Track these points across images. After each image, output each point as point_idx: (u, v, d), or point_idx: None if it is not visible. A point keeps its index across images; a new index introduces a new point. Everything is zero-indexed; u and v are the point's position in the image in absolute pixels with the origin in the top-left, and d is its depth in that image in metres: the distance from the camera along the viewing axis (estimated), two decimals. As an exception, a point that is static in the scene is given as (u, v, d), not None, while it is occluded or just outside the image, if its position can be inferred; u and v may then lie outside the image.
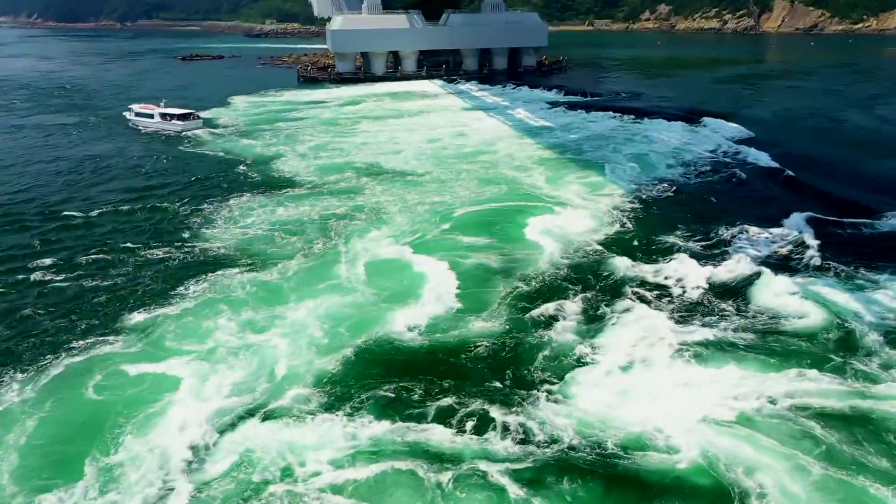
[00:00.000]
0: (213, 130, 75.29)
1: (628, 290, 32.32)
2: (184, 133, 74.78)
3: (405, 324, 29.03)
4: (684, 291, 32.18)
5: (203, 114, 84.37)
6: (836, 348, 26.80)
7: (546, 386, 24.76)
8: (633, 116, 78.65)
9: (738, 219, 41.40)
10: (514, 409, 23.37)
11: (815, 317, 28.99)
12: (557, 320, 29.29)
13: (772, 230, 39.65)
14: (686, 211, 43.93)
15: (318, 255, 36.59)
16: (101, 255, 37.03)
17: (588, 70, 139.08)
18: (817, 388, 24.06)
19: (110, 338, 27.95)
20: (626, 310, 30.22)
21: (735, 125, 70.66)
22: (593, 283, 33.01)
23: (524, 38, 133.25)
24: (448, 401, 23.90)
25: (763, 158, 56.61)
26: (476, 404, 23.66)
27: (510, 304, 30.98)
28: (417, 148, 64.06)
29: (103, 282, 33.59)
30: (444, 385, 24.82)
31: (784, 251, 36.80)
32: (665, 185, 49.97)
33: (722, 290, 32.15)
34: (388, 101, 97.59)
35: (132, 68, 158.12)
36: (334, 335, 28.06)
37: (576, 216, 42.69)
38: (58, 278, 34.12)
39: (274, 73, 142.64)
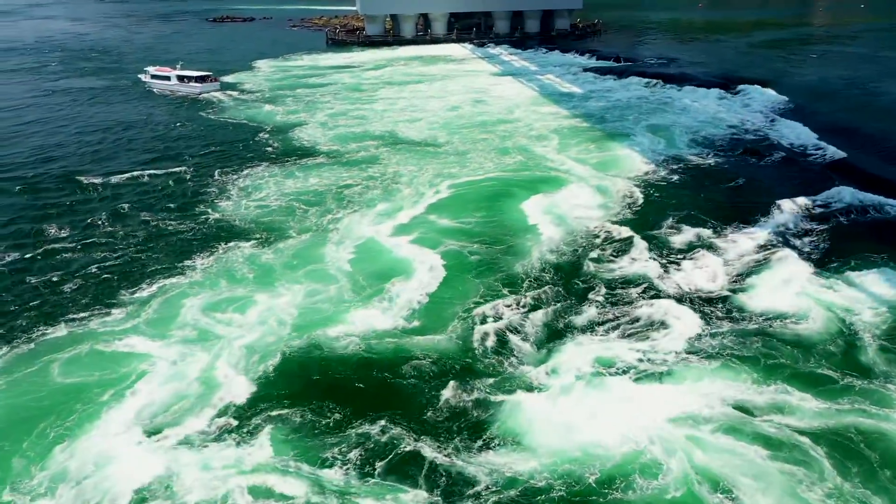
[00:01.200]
0: (237, 96, 74.89)
1: (623, 292, 29.06)
2: (202, 95, 74.52)
3: (359, 327, 26.31)
4: (691, 290, 29.14)
5: (227, 78, 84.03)
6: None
7: (489, 427, 21.10)
8: (665, 83, 75.62)
9: (769, 200, 38.34)
10: (445, 449, 20.12)
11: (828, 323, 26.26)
12: (520, 334, 25.92)
13: (807, 213, 36.84)
14: (709, 191, 41.06)
15: (317, 231, 35.95)
16: (113, 226, 37.19)
17: (624, 34, 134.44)
18: (817, 405, 21.50)
19: (100, 313, 27.92)
20: (614, 319, 26.92)
21: (774, 93, 67.27)
22: (578, 285, 29.68)
23: (558, 0, 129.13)
24: (369, 429, 20.99)
25: (802, 131, 53.15)
26: (405, 439, 20.50)
27: (479, 310, 27.51)
28: (437, 116, 62.78)
29: (111, 253, 33.67)
30: (371, 408, 21.91)
31: (816, 239, 33.66)
32: (689, 160, 47.44)
33: (735, 288, 29.19)
34: (414, 66, 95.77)
35: (162, 30, 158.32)
36: (283, 335, 25.97)
37: (584, 195, 40.79)
38: (67, 247, 34.36)
39: (303, 36, 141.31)
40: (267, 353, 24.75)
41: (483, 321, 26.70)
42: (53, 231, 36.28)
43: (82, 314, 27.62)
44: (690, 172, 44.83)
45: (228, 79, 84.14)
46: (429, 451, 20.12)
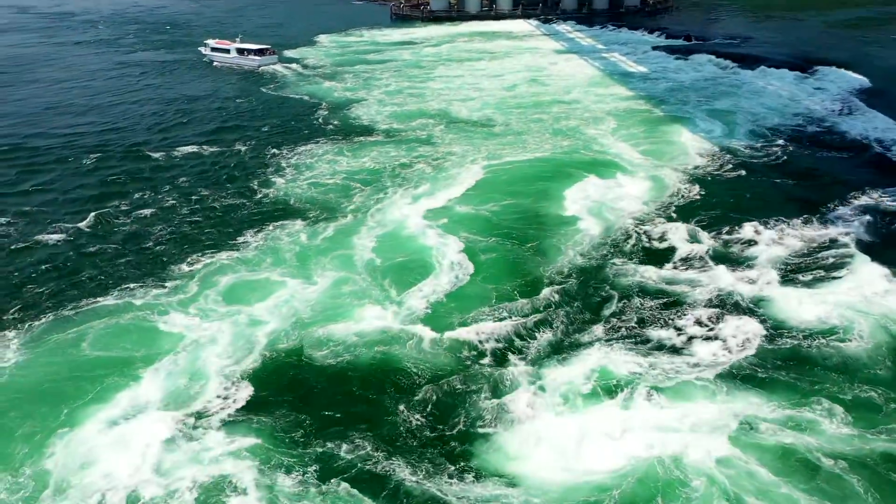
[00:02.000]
0: (299, 70, 75.83)
1: (648, 301, 26.99)
2: (260, 68, 75.74)
3: (361, 328, 25.54)
4: (732, 297, 27.19)
5: (289, 52, 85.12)
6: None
7: (470, 454, 19.80)
8: (737, 64, 72.22)
9: (837, 196, 35.97)
10: (418, 472, 19.12)
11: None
12: (522, 351, 24.14)
13: (878, 213, 34.21)
14: (768, 185, 38.76)
15: (357, 214, 36.12)
16: (172, 199, 38.49)
17: (697, 11, 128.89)
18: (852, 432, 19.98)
19: (147, 285, 28.98)
20: (630, 332, 24.98)
21: (854, 76, 63.37)
22: (601, 293, 27.65)
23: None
24: (340, 439, 20.22)
25: (882, 120, 49.78)
26: (375, 454, 19.69)
27: (486, 320, 25.96)
28: (492, 95, 62.00)
29: (167, 226, 34.93)
30: (348, 417, 21.20)
31: (885, 244, 31.29)
32: (751, 148, 45.09)
33: (782, 295, 27.00)
34: (475, 42, 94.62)
35: (233, 4, 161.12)
36: (290, 327, 25.77)
37: (631, 184, 39.32)
38: (126, 219, 35.83)
39: (368, 10, 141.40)
40: (270, 344, 24.82)
41: (486, 334, 25.07)
42: (115, 202, 37.85)
43: (130, 285, 28.83)
44: (751, 163, 42.63)
45: (290, 53, 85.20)
46: (400, 470, 19.20)
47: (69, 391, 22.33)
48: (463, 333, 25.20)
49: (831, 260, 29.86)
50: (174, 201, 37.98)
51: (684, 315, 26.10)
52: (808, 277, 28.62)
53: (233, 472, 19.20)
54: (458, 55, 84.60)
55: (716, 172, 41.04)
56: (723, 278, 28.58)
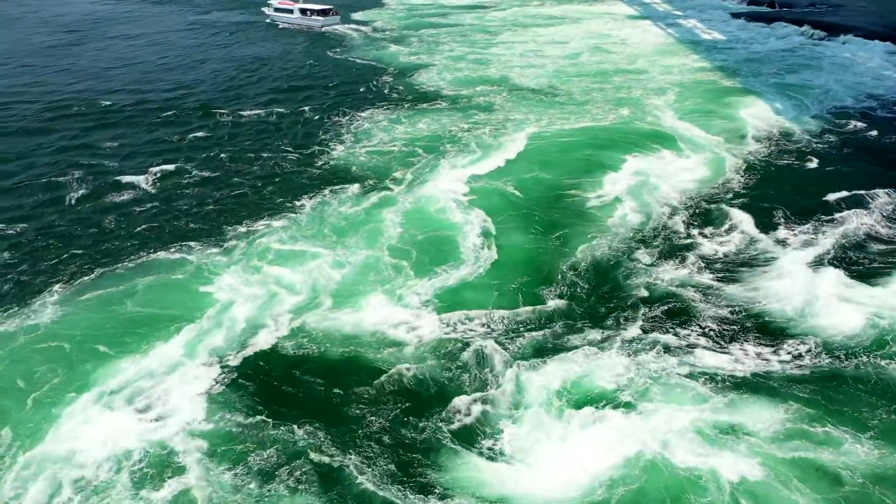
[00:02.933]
0: (368, 33, 76.14)
1: (665, 307, 25.20)
2: (323, 28, 76.19)
3: (362, 317, 25.08)
4: (768, 308, 25.03)
5: (356, 15, 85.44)
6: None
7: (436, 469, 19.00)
8: (824, 33, 68.14)
9: None
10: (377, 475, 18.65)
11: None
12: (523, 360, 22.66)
13: None
14: (835, 175, 36.05)
15: (402, 183, 36.32)
16: (235, 161, 39.83)
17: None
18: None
19: (199, 246, 29.99)
20: (643, 342, 23.26)
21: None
22: (614, 299, 25.93)
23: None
24: (302, 436, 20.00)
25: None
26: (338, 455, 19.29)
27: (484, 323, 24.71)
28: (556, 63, 60.86)
29: (227, 188, 36.24)
30: (317, 413, 20.91)
31: None
32: (824, 130, 42.60)
33: (823, 306, 24.85)
34: (545, 6, 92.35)
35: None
36: (291, 312, 25.54)
37: (684, 163, 37.83)
38: (188, 179, 37.36)
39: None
40: (276, 325, 24.89)
41: (482, 332, 24.19)
42: (179, 161, 39.49)
43: (183, 245, 30.13)
44: (820, 146, 40.31)
45: (357, 16, 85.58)
46: (357, 471, 18.82)
47: (113, 337, 23.84)
48: (458, 332, 24.33)
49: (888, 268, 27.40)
50: (236, 163, 39.40)
51: (706, 324, 24.41)
52: (864, 289, 26.15)
53: (182, 450, 19.44)
54: (525, 20, 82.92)
55: (776, 157, 38.91)
56: (760, 282, 26.65)
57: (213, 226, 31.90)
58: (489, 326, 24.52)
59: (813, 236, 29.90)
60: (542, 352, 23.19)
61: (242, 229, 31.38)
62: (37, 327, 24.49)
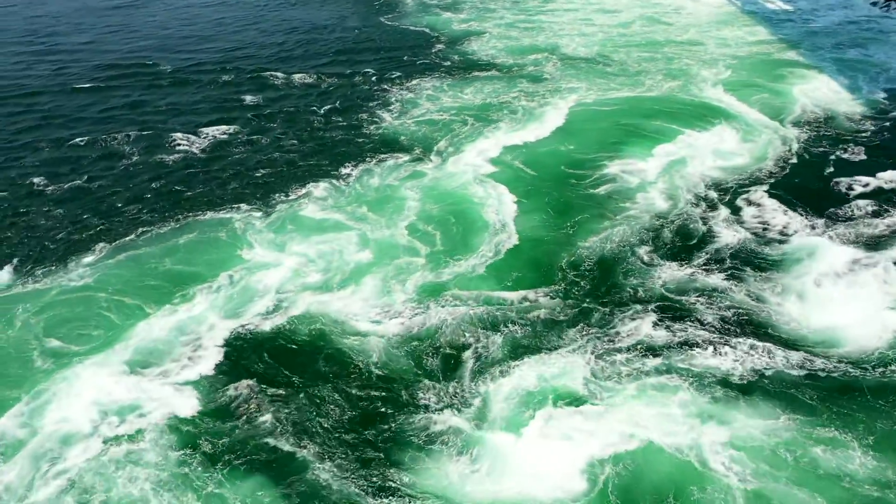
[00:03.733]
0: (422, 0, 76.15)
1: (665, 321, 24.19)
2: None
3: (351, 304, 25.44)
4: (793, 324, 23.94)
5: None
6: None
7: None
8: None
9: None
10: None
11: None
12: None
13: None
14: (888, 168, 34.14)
15: (440, 154, 37.11)
16: (283, 126, 41.29)
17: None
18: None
19: (243, 211, 31.67)
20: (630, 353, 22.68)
21: None
22: (616, 298, 25.40)
23: None
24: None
25: None
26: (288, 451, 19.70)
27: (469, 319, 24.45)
28: (607, 32, 59.87)
29: (274, 152, 37.88)
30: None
31: None
32: (887, 112, 40.66)
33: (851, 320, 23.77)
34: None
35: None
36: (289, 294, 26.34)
37: (726, 144, 36.83)
38: (237, 143, 39.11)
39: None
40: (277, 303, 25.73)
41: (467, 331, 24.07)
42: (229, 125, 41.29)
43: (228, 206, 31.96)
44: (873, 131, 38.50)
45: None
46: (319, 465, 19.19)
47: (146, 291, 26.00)
48: (445, 326, 24.34)
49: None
50: (286, 127, 41.09)
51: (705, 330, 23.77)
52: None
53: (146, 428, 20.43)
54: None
55: (823, 142, 37.34)
56: (780, 284, 25.77)
57: (258, 190, 33.61)
58: (478, 321, 24.53)
59: (844, 234, 28.90)
60: (524, 350, 23.10)
61: (286, 195, 33.05)
62: (71, 282, 26.54)
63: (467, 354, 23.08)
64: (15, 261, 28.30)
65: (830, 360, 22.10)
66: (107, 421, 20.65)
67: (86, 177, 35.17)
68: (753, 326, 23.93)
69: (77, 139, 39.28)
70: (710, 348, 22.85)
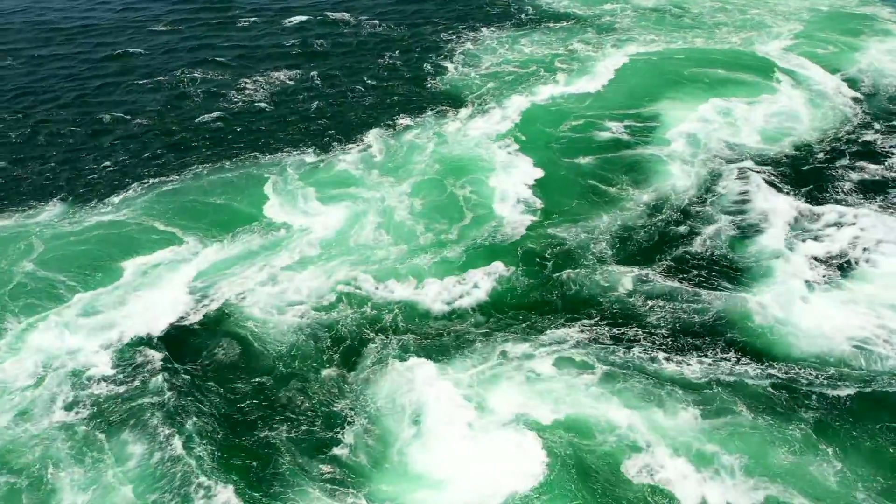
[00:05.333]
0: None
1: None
2: None
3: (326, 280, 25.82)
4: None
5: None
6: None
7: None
8: None
9: None
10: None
11: None
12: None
13: None
14: None
15: (485, 110, 37.72)
16: (345, 74, 42.65)
17: None
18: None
19: (296, 155, 33.65)
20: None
21: None
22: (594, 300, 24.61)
23: None
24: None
25: None
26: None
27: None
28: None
29: (335, 99, 39.45)
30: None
31: None
32: None
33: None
34: None
35: None
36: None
37: (778, 110, 35.37)
38: (298, 89, 40.82)
39: None
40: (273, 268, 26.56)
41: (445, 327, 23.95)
42: (293, 71, 42.94)
43: (286, 150, 34.09)
44: None
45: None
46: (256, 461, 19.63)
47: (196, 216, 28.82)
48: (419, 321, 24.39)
49: None
50: (350, 76, 42.44)
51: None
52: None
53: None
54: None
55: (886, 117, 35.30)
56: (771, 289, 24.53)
57: (310, 138, 35.35)
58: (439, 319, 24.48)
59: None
60: (465, 353, 22.82)
61: (338, 143, 34.79)
62: (103, 216, 29.23)
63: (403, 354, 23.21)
64: (67, 193, 31.19)
65: (793, 367, 21.95)
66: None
67: (148, 115, 37.87)
68: (715, 330, 23.51)
69: (144, 79, 41.87)
70: (662, 352, 22.51)
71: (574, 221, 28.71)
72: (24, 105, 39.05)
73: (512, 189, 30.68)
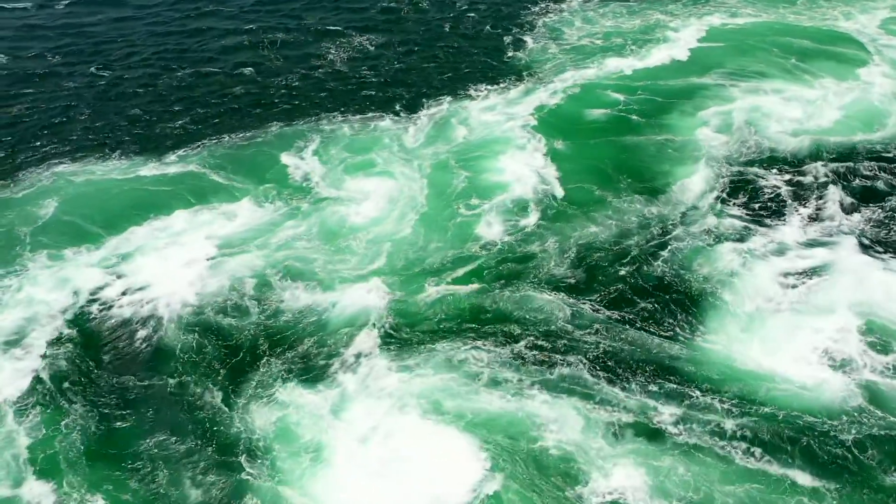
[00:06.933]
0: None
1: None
2: None
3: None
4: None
5: None
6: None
7: None
8: None
9: None
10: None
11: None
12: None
13: None
14: None
15: (542, 83, 37.83)
16: (422, 42, 43.23)
17: None
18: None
19: (379, 118, 34.96)
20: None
21: None
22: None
23: None
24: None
25: None
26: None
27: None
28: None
29: (404, 67, 40.29)
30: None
31: None
32: None
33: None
34: None
35: None
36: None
37: (848, 101, 33.11)
38: (381, 51, 42.03)
39: None
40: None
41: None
42: (373, 36, 43.97)
43: (374, 112, 35.65)
44: None
45: None
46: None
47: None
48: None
49: None
50: (430, 44, 42.83)
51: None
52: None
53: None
54: None
55: None
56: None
57: (381, 103, 36.28)
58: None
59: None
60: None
61: (405, 111, 35.67)
62: (149, 172, 30.70)
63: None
64: (135, 145, 33.00)
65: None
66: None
67: (229, 74, 39.38)
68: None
69: (227, 38, 43.08)
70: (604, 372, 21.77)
71: (567, 224, 27.78)
72: (107, 58, 41.32)
73: (520, 173, 30.45)
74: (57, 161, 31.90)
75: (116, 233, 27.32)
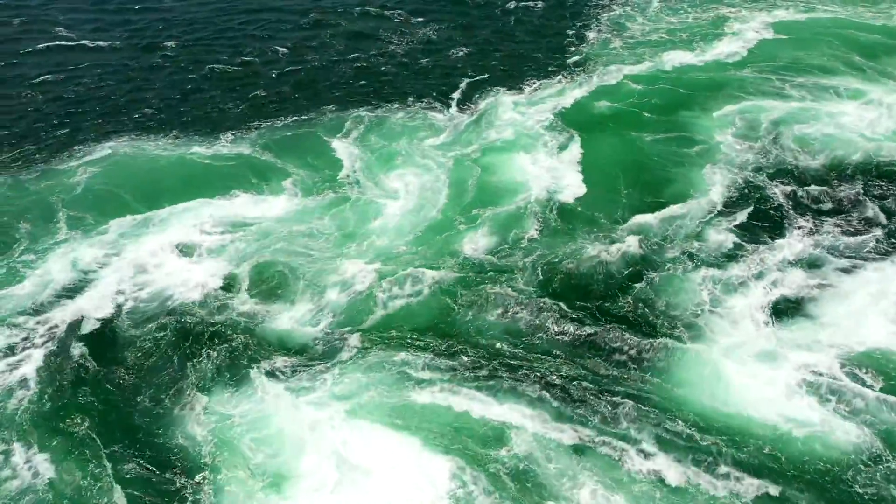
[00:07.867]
0: None
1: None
2: None
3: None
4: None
5: None
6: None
7: None
8: None
9: None
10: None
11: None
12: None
13: None
14: None
15: (588, 75, 37.36)
16: (486, 30, 43.13)
17: None
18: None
19: (427, 104, 35.25)
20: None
21: None
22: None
23: None
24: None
25: None
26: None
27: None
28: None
29: (466, 54, 40.39)
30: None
31: None
32: None
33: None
34: None
35: None
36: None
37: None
38: (443, 40, 42.19)
39: None
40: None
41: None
42: (435, 26, 43.74)
43: (426, 102, 35.77)
44: None
45: None
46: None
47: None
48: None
49: None
50: (489, 35, 42.69)
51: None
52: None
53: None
54: None
55: None
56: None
57: (435, 94, 36.40)
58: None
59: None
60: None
61: (443, 107, 35.48)
62: (216, 147, 31.51)
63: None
64: (186, 124, 33.72)
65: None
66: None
67: (285, 56, 39.60)
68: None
69: (286, 21, 43.52)
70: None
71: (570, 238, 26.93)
72: (174, 37, 42.48)
73: (536, 177, 30.01)
74: (115, 136, 32.82)
75: (156, 208, 28.05)
